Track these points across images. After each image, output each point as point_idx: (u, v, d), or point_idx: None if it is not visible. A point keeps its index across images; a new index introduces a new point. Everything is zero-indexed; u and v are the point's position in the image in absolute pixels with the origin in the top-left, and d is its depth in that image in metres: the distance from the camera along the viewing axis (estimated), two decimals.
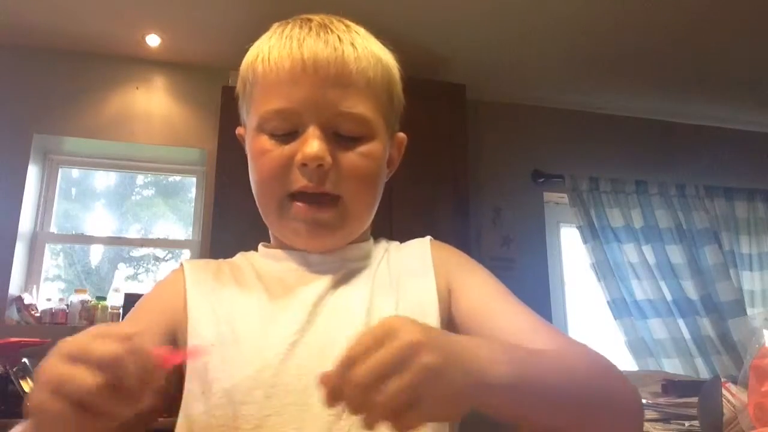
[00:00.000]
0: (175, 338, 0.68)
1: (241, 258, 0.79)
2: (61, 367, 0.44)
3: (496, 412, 0.51)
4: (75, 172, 3.14)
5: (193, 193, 3.14)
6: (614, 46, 2.87)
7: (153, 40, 2.81)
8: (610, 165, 3.36)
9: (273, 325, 0.67)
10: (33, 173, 2.81)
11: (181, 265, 0.76)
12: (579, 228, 3.21)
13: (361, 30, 0.75)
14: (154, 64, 2.97)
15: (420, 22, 2.68)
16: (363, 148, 0.70)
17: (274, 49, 0.70)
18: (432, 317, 0.69)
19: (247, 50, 0.76)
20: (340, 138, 0.69)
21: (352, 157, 0.69)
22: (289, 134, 0.69)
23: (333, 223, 0.70)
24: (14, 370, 2.18)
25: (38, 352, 2.38)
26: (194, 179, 3.13)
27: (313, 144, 0.66)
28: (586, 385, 0.57)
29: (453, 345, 0.48)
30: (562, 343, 0.64)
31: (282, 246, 0.76)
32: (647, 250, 3.23)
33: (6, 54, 2.82)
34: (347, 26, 0.73)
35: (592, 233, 3.19)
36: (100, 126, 2.86)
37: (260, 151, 0.71)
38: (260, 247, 0.79)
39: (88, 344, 0.45)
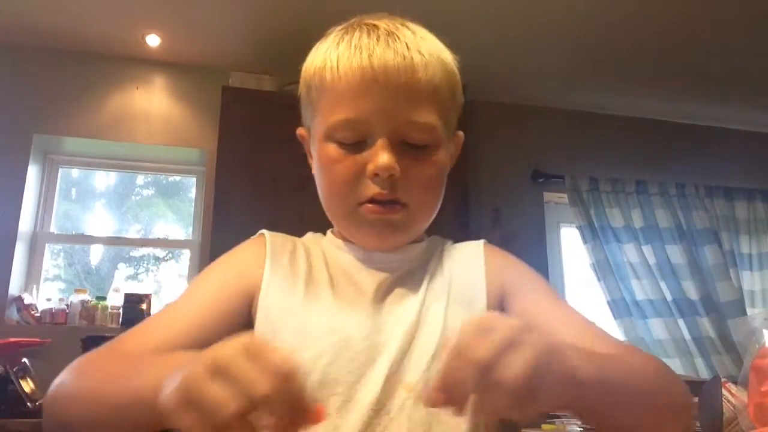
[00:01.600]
0: (249, 304, 0.72)
1: (311, 240, 0.82)
2: (206, 388, 0.41)
3: (579, 407, 0.54)
4: (75, 172, 3.14)
5: (193, 193, 3.14)
6: (614, 46, 2.87)
7: (153, 40, 2.81)
8: (610, 165, 3.36)
9: (333, 317, 0.70)
10: (33, 173, 2.81)
11: (263, 235, 0.79)
12: (579, 228, 3.21)
13: (426, 33, 0.75)
14: (154, 64, 2.97)
15: (420, 23, 2.68)
16: (429, 157, 0.72)
17: (344, 58, 0.70)
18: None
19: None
20: (407, 146, 0.70)
21: (419, 167, 0.71)
22: (357, 143, 0.70)
23: (401, 225, 0.72)
24: (14, 370, 2.18)
25: (38, 352, 2.38)
26: (194, 179, 3.13)
27: (383, 155, 0.68)
28: (653, 386, 0.61)
29: (547, 338, 0.49)
30: (621, 348, 0.67)
31: (345, 238, 0.78)
32: (647, 250, 3.23)
33: (6, 54, 2.82)
34: (413, 32, 0.73)
35: (592, 233, 3.19)
36: (100, 126, 2.86)
37: (330, 160, 0.72)
38: (329, 233, 0.82)
39: (241, 367, 0.42)
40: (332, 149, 0.71)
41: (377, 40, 0.70)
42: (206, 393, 0.41)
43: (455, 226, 2.78)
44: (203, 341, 0.64)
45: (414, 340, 0.68)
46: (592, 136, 3.45)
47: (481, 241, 0.81)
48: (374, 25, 0.72)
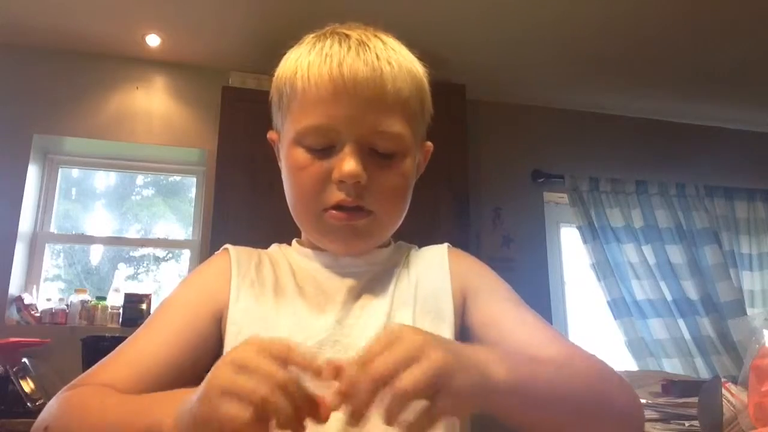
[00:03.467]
0: (219, 320, 0.73)
1: (277, 251, 0.83)
2: (239, 379, 0.47)
3: (499, 414, 0.53)
4: (75, 172, 3.14)
5: (193, 193, 3.14)
6: (614, 46, 2.87)
7: (153, 40, 2.81)
8: (610, 165, 3.36)
9: (304, 323, 0.71)
10: (33, 173, 2.81)
11: (227, 250, 0.80)
12: (579, 228, 3.21)
13: (397, 44, 0.76)
14: (154, 64, 2.97)
15: (420, 22, 2.68)
16: (396, 166, 0.73)
17: (314, 67, 0.71)
18: (447, 323, 0.73)
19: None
20: (374, 155, 0.72)
21: (385, 175, 0.72)
22: (325, 150, 0.71)
23: (366, 231, 0.74)
24: (14, 370, 2.18)
25: (38, 352, 2.39)
26: (194, 179, 3.13)
27: (350, 162, 0.69)
28: (586, 392, 0.61)
29: (455, 347, 0.52)
30: (572, 352, 0.68)
31: (313, 245, 0.80)
32: (647, 250, 3.23)
33: (6, 54, 2.82)
34: (384, 43, 0.74)
35: (592, 233, 3.19)
36: (100, 126, 2.86)
37: (297, 165, 0.73)
38: (294, 242, 0.83)
39: (260, 362, 0.47)
40: (300, 154, 0.72)
41: (348, 49, 0.71)
42: (237, 383, 0.46)
43: (455, 226, 2.78)
44: (176, 369, 0.67)
45: None
46: (592, 136, 3.45)
47: (445, 245, 0.82)
48: (346, 34, 0.73)
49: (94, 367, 0.68)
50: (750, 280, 3.41)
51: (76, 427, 0.60)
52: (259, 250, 0.82)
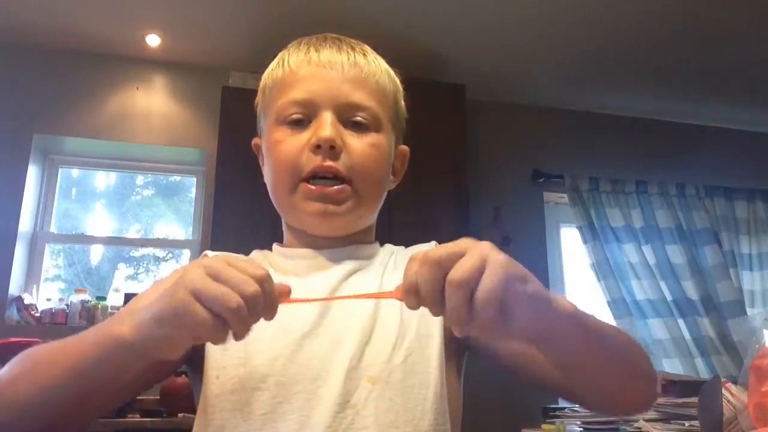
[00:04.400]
0: None
1: (258, 255, 0.82)
2: (211, 284, 0.49)
3: (549, 336, 0.54)
4: (75, 172, 3.14)
5: (193, 193, 3.14)
6: (614, 46, 2.87)
7: (153, 40, 2.81)
8: (610, 165, 3.36)
9: (287, 317, 0.69)
10: (33, 173, 2.81)
11: (205, 255, 0.78)
12: (579, 228, 3.21)
13: (371, 49, 0.82)
14: (154, 64, 2.97)
15: (420, 24, 2.68)
16: (372, 138, 0.75)
17: (293, 55, 0.78)
18: (437, 317, 0.70)
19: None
20: (351, 126, 0.75)
21: (361, 145, 0.74)
22: (304, 124, 0.74)
23: (342, 200, 0.74)
24: None
25: None
26: (194, 179, 3.13)
27: (326, 127, 0.72)
28: (621, 346, 0.64)
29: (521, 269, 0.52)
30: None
31: (294, 244, 0.80)
32: (647, 250, 3.23)
33: (6, 54, 2.82)
34: (359, 43, 0.81)
35: (592, 233, 3.19)
36: (100, 126, 2.86)
37: (276, 141, 0.75)
38: (274, 246, 0.83)
39: (231, 272, 0.50)
40: (280, 131, 0.75)
41: (324, 41, 0.78)
42: (216, 290, 0.49)
43: (455, 226, 2.78)
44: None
45: (372, 334, 0.68)
46: (592, 136, 3.45)
47: (432, 243, 0.81)
48: (323, 36, 0.80)
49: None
50: (750, 280, 3.41)
51: (32, 360, 0.60)
52: (239, 255, 0.81)
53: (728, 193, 3.49)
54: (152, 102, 2.95)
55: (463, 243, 0.50)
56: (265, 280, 0.50)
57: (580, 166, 3.30)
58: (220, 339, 0.50)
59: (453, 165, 2.87)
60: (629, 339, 0.66)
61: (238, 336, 0.50)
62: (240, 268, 0.50)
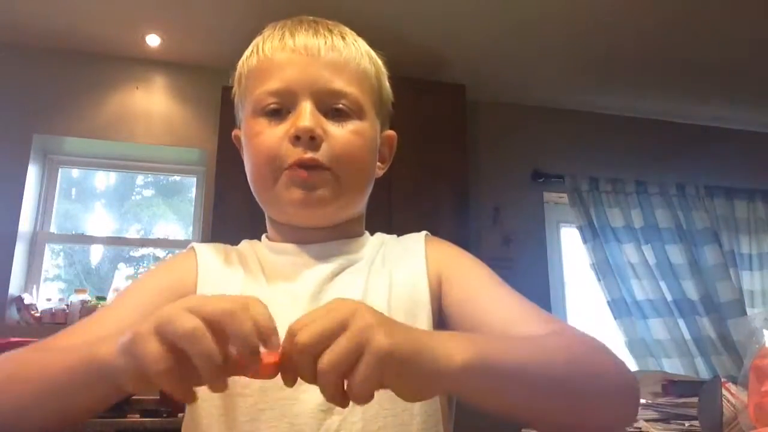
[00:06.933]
0: None
1: (246, 246, 0.80)
2: (207, 341, 0.44)
3: (465, 399, 0.51)
4: (75, 172, 3.14)
5: (193, 193, 3.14)
6: (614, 46, 2.87)
7: (153, 40, 2.81)
8: (610, 165, 3.36)
9: (272, 314, 0.67)
10: (33, 173, 2.81)
11: (192, 247, 0.77)
12: (579, 228, 3.21)
13: (350, 31, 0.78)
14: (154, 64, 2.97)
15: (420, 23, 2.68)
16: (354, 126, 0.72)
17: (267, 41, 0.74)
18: (424, 310, 0.70)
19: (246, 50, 0.77)
20: (331, 114, 0.71)
21: (343, 133, 0.71)
22: (282, 114, 0.71)
23: (323, 187, 0.70)
24: None
25: None
26: (194, 179, 3.13)
27: (305, 117, 0.69)
28: (570, 366, 0.55)
29: (400, 328, 0.47)
30: (555, 327, 0.63)
31: (280, 239, 0.77)
32: (647, 250, 3.23)
33: (6, 54, 2.82)
34: (336, 25, 0.77)
35: (592, 233, 3.19)
36: (100, 126, 2.86)
37: (254, 134, 0.72)
38: (263, 237, 0.81)
39: (239, 323, 0.45)
40: (258, 123, 0.72)
41: (300, 24, 0.75)
42: (204, 344, 0.43)
43: (455, 225, 2.78)
44: None
45: None
46: (592, 136, 3.45)
47: (423, 233, 0.80)
48: (300, 19, 0.76)
49: (50, 337, 0.64)
50: (750, 280, 3.41)
51: (9, 369, 0.57)
52: (227, 245, 0.80)
53: (728, 193, 3.49)
54: (152, 102, 2.95)
55: (341, 313, 0.45)
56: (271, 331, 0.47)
57: (580, 166, 3.30)
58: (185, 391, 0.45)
59: (453, 165, 2.88)
60: (585, 352, 0.59)
61: (216, 389, 0.45)
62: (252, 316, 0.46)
